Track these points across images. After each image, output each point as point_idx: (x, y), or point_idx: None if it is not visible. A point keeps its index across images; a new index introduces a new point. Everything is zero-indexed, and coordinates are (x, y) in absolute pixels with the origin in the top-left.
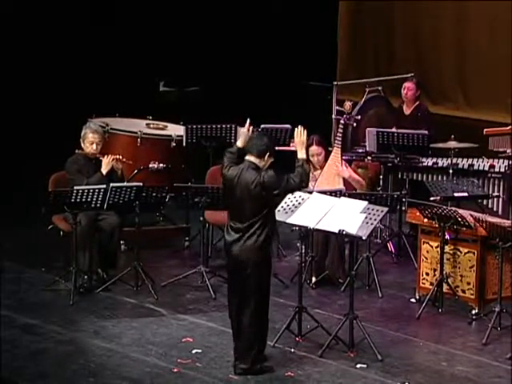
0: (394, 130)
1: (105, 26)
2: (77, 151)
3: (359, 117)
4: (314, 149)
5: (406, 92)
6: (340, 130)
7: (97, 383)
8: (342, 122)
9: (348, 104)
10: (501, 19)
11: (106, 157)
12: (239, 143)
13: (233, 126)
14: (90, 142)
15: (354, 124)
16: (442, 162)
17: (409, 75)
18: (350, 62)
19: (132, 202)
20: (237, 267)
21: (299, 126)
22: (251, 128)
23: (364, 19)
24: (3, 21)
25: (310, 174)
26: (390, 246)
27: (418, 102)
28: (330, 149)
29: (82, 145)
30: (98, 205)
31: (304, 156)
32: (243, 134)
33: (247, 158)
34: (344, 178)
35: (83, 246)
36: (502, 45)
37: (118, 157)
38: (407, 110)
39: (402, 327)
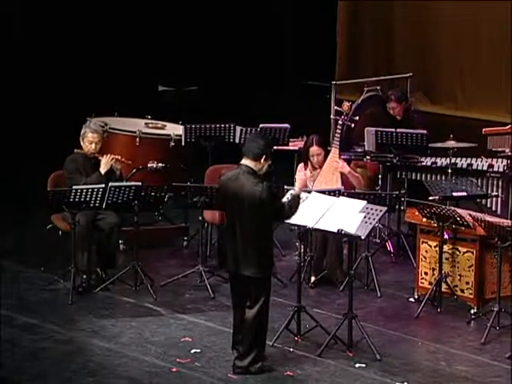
0: (392, 129)
1: (104, 26)
2: (76, 150)
3: (357, 117)
4: (314, 149)
5: (393, 111)
6: (338, 131)
7: (96, 382)
8: (340, 122)
9: (346, 104)
10: (500, 19)
11: (104, 156)
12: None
13: (232, 125)
14: (89, 141)
15: (352, 124)
16: (441, 162)
17: (407, 75)
18: (349, 62)
19: (131, 202)
20: (239, 276)
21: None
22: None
23: (363, 19)
24: (3, 21)
25: (310, 173)
26: (389, 246)
27: (408, 108)
28: (329, 148)
29: (82, 144)
30: (97, 204)
31: (299, 192)
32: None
33: (243, 161)
34: (342, 177)
35: (82, 245)
36: (502, 44)
37: (117, 157)
38: (399, 117)
39: (400, 327)
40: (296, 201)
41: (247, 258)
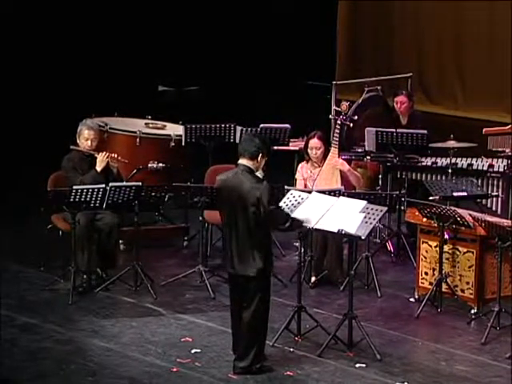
0: (392, 129)
1: (104, 26)
2: (71, 147)
3: (356, 117)
4: (314, 142)
5: (400, 106)
6: (337, 131)
7: (96, 382)
8: (338, 122)
9: (344, 104)
10: (500, 19)
11: (100, 154)
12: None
13: (232, 125)
14: (85, 138)
15: (351, 124)
16: (441, 162)
17: (408, 75)
18: (349, 62)
19: (131, 202)
20: (238, 276)
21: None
22: None
23: (363, 19)
24: (3, 21)
25: (309, 173)
26: (389, 246)
27: (411, 111)
28: (329, 148)
29: (78, 141)
30: (97, 204)
31: (303, 220)
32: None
33: (240, 161)
34: (342, 177)
35: (82, 245)
36: (502, 44)
37: (112, 155)
38: (403, 120)
39: (401, 327)
40: (296, 223)
41: (245, 257)
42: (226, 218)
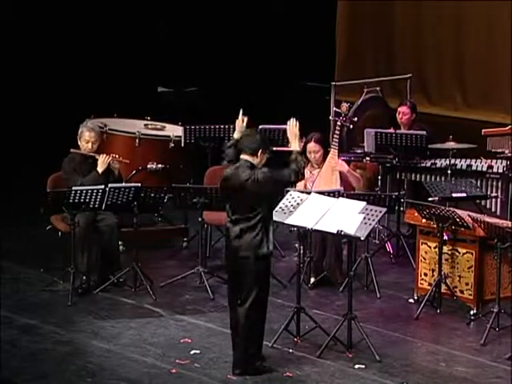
0: (391, 130)
1: (103, 27)
2: (72, 150)
3: (356, 118)
4: (311, 146)
5: (402, 117)
6: (337, 132)
7: (95, 383)
8: (338, 123)
9: (345, 105)
10: (500, 20)
11: (101, 156)
12: (236, 135)
13: (231, 126)
14: (86, 140)
15: (351, 126)
16: (441, 163)
17: (407, 76)
18: (349, 63)
19: (130, 203)
20: (236, 261)
21: (291, 119)
22: (245, 119)
23: (363, 19)
24: (3, 21)
25: (309, 173)
26: (389, 247)
27: (414, 126)
28: (328, 149)
29: (79, 143)
30: (97, 205)
31: (297, 148)
32: (239, 126)
33: (242, 156)
34: (342, 178)
35: (82, 246)
36: (501, 45)
37: (114, 156)
38: (405, 127)
39: (400, 328)
40: (300, 159)
41: (243, 240)
42: (229, 211)
